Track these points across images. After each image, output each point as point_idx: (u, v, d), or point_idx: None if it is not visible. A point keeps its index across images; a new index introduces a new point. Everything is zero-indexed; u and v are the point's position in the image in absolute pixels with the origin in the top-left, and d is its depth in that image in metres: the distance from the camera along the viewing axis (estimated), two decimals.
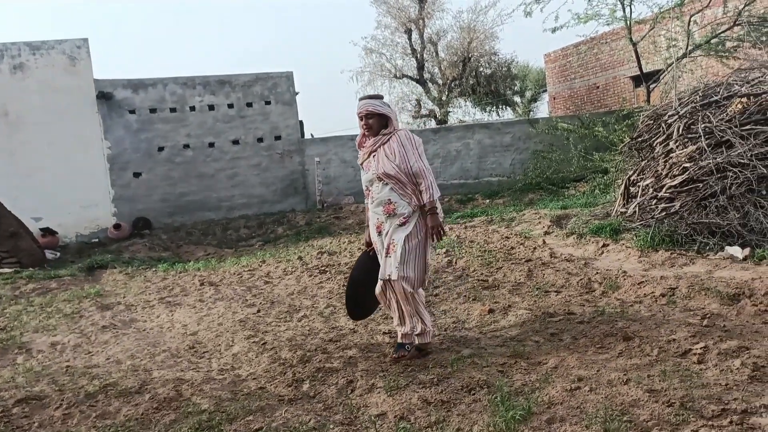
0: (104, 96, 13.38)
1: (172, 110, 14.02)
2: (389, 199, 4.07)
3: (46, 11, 77.25)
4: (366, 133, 4.21)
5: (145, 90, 13.86)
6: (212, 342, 5.26)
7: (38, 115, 12.87)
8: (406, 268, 4.00)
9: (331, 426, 3.34)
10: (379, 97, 4.26)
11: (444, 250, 8.01)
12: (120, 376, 4.42)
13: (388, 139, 4.11)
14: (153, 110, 13.90)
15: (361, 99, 4.25)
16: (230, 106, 14.45)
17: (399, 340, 4.23)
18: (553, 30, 14.22)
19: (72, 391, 4.18)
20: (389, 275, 3.98)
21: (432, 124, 24.19)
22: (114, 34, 66.36)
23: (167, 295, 7.35)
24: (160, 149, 13.95)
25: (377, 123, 4.15)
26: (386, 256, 4.02)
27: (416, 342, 4.20)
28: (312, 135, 16.59)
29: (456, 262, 7.42)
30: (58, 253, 11.68)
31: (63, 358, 5.18)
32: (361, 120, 4.19)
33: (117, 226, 13.06)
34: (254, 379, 4.23)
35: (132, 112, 13.76)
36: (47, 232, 12.22)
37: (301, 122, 15.24)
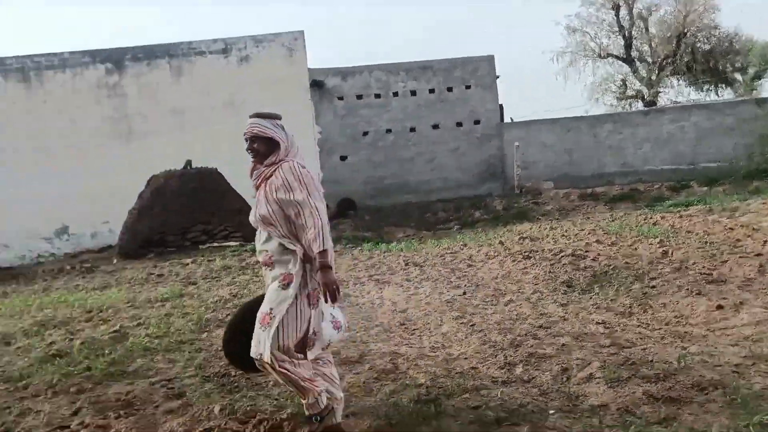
0: (317, 84, 14.33)
1: (377, 96, 14.63)
2: (266, 250, 3.25)
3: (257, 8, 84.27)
4: (253, 160, 3.37)
5: (353, 77, 14.60)
6: (421, 320, 5.42)
7: (259, 103, 14.08)
8: (282, 339, 3.11)
9: (552, 411, 3.29)
10: (273, 117, 3.35)
11: (658, 240, 7.50)
12: (341, 346, 4.72)
13: (272, 174, 3.25)
14: (359, 96, 14.63)
15: (250, 117, 3.37)
16: (431, 91, 14.73)
17: (306, 412, 3.29)
18: None
19: None
20: (261, 354, 3.13)
21: (639, 105, 22.72)
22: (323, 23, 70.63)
23: (375, 273, 7.71)
24: (365, 134, 14.65)
25: (264, 148, 3.28)
26: (261, 328, 3.15)
27: (308, 412, 3.27)
28: (511, 119, 16.38)
29: (672, 254, 6.90)
30: None
31: None
32: (246, 142, 3.37)
33: None
34: (465, 358, 4.29)
35: (340, 98, 14.59)
36: None
37: (501, 106, 15.11)
